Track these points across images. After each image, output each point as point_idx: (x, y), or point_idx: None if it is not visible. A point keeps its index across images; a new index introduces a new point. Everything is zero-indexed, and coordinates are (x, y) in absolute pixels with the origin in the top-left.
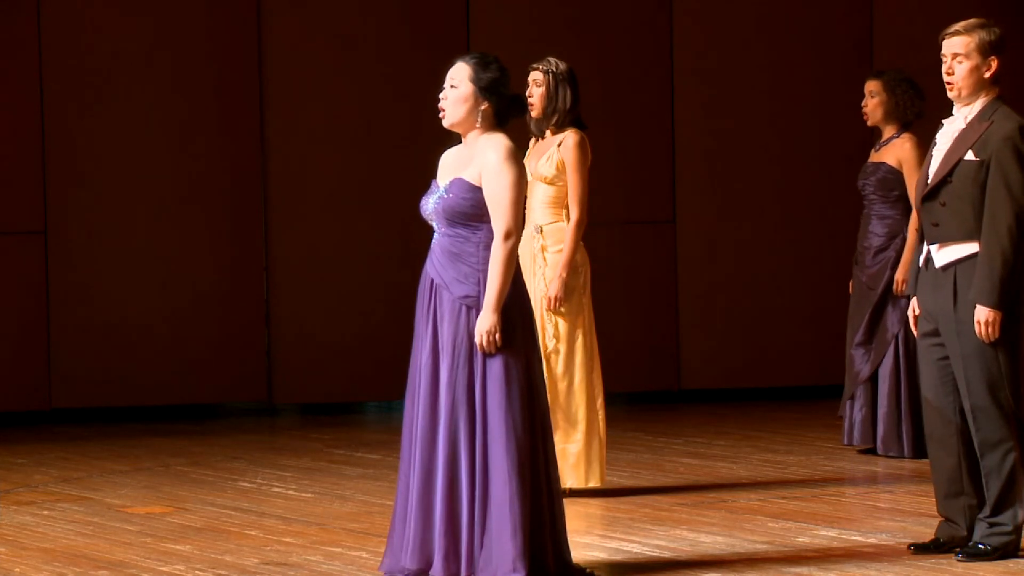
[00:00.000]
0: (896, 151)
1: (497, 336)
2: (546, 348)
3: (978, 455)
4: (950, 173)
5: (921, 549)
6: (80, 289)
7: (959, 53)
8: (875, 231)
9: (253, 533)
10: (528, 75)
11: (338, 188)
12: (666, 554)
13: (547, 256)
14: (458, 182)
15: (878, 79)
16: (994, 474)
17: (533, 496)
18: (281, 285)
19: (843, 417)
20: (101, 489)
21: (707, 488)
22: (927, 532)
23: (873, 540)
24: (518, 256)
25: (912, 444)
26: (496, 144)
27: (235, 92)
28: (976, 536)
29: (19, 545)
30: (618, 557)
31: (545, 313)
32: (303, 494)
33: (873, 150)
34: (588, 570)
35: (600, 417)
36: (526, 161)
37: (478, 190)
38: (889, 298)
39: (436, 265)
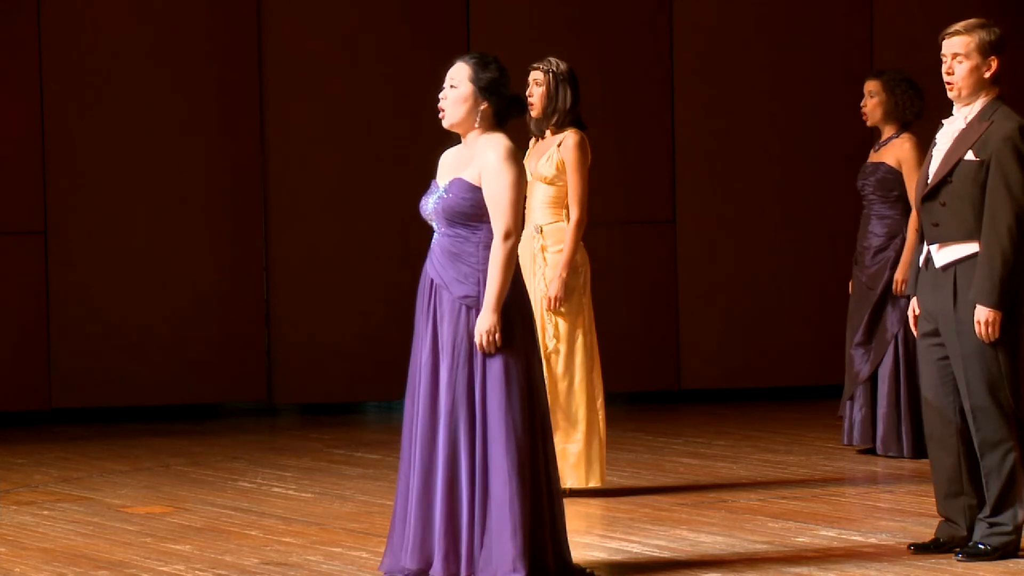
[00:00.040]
0: (895, 151)
1: (497, 336)
2: (546, 348)
3: (978, 455)
4: (950, 173)
5: (921, 549)
6: (80, 289)
7: (959, 53)
8: (875, 231)
9: (253, 533)
10: (528, 75)
11: (338, 188)
12: (666, 554)
13: (547, 256)
14: (458, 182)
15: (877, 79)
16: (994, 474)
17: (533, 496)
18: (281, 285)
19: (843, 417)
20: (101, 489)
21: (707, 488)
22: (927, 532)
23: (873, 540)
24: (518, 256)
25: (912, 444)
26: (496, 144)
27: (235, 92)
28: (976, 536)
29: (19, 545)
30: (618, 557)
31: (545, 313)
32: (303, 494)
33: (872, 150)
34: (588, 570)
35: (600, 417)
36: (526, 161)
37: (478, 190)
38: (889, 298)
39: (436, 265)
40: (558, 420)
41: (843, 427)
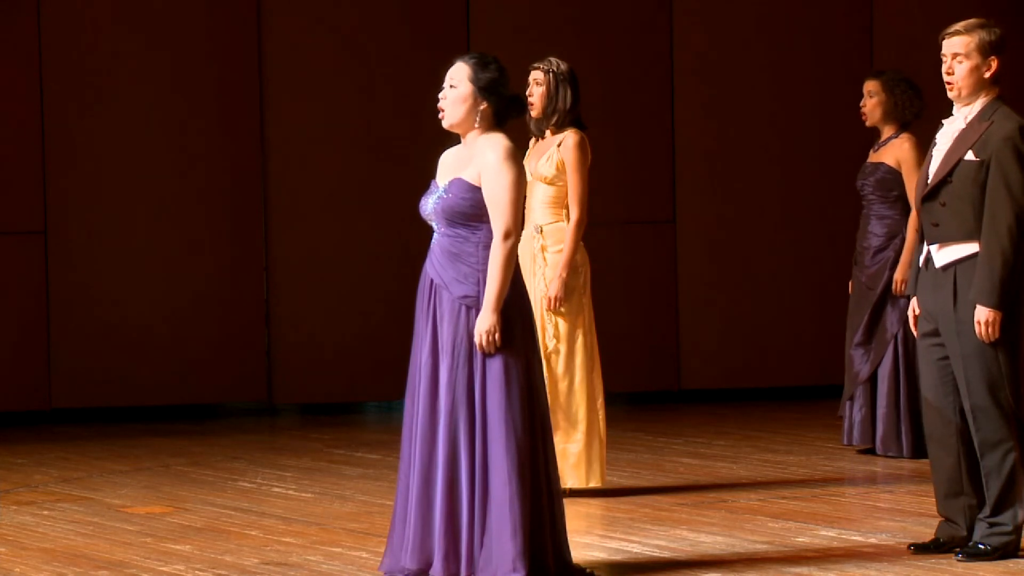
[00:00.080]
0: (895, 151)
1: (497, 336)
2: (546, 348)
3: (978, 455)
4: (950, 173)
5: (921, 549)
6: (80, 289)
7: (959, 53)
8: (874, 231)
9: (253, 533)
10: (528, 75)
11: (338, 188)
12: (666, 554)
13: (547, 256)
14: (457, 182)
15: (877, 79)
16: (994, 474)
17: (533, 496)
18: (281, 285)
19: (843, 417)
20: (101, 489)
21: (707, 488)
22: (927, 532)
23: (873, 540)
24: (518, 256)
25: (911, 444)
26: (495, 144)
27: (235, 92)
28: (976, 536)
29: (19, 545)
30: (618, 557)
31: (545, 313)
32: (303, 494)
33: (872, 150)
34: (588, 570)
35: (600, 417)
36: (526, 161)
37: (477, 190)
38: (888, 298)
39: (436, 265)
40: (558, 420)
41: (843, 427)
